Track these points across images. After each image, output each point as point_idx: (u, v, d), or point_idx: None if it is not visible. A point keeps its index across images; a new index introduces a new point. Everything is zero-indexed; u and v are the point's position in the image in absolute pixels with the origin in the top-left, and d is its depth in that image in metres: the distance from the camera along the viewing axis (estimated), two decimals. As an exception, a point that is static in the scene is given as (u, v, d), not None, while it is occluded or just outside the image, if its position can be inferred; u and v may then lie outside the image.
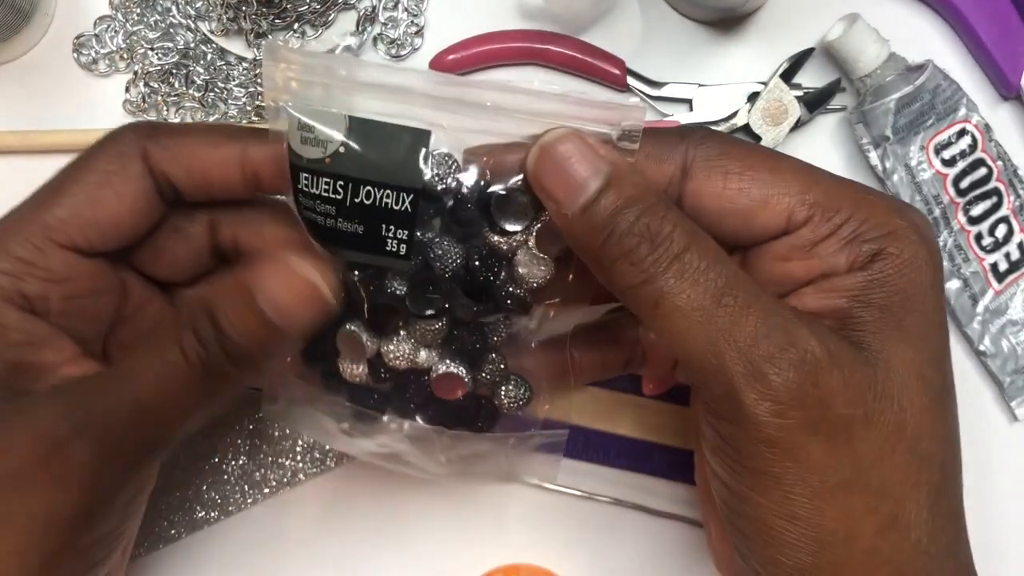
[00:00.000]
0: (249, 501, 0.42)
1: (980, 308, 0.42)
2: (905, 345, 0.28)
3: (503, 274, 0.31)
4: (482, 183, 0.30)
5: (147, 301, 0.34)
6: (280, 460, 0.42)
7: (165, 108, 0.44)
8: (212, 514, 0.42)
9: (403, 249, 0.30)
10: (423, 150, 0.29)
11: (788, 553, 0.27)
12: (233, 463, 0.42)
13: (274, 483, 0.42)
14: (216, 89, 0.44)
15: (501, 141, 0.30)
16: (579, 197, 0.27)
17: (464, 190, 0.30)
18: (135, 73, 0.44)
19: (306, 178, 0.29)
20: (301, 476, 0.42)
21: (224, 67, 0.44)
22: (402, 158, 0.29)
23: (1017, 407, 0.42)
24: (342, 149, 0.29)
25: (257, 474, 0.42)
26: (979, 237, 0.42)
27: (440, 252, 0.30)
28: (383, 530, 0.42)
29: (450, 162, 0.30)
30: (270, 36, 0.44)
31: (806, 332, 0.27)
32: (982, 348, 0.42)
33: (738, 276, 0.27)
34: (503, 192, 0.29)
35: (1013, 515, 0.43)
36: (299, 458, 0.42)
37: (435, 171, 0.29)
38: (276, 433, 0.42)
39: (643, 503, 0.42)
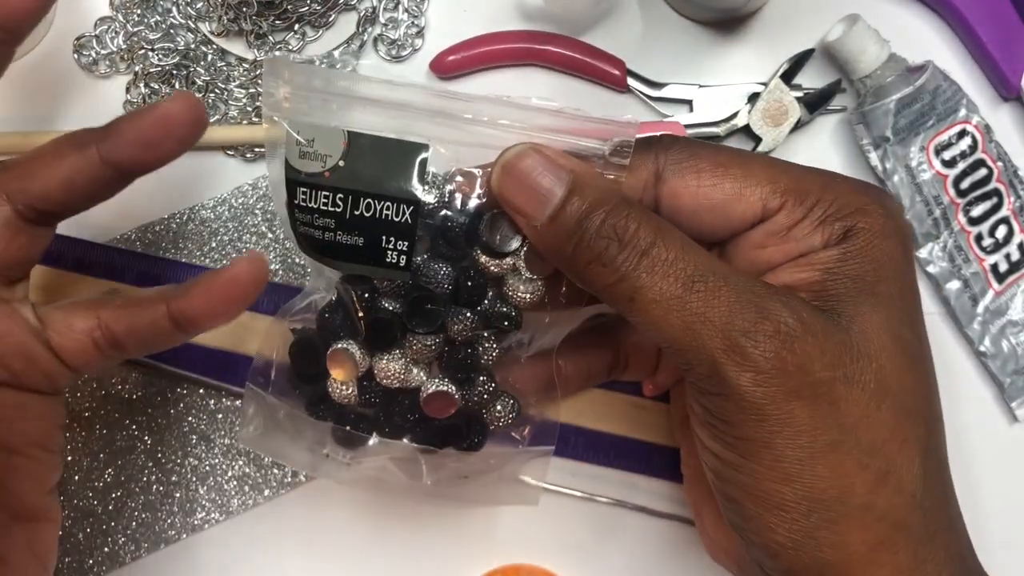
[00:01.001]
0: (249, 502, 0.42)
1: (980, 309, 0.42)
2: (879, 309, 0.29)
3: (492, 293, 0.31)
4: (473, 204, 0.30)
5: None
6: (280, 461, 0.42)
7: (165, 109, 0.44)
8: (212, 515, 0.42)
9: (403, 260, 0.30)
10: (421, 163, 0.29)
11: (783, 515, 0.28)
12: (233, 464, 0.42)
13: (274, 484, 0.42)
14: (217, 90, 0.44)
15: (496, 157, 0.30)
16: (545, 208, 0.29)
17: (456, 208, 0.30)
18: (136, 74, 0.44)
19: (303, 192, 0.30)
20: (301, 477, 0.42)
21: (225, 68, 0.44)
22: (401, 171, 0.29)
23: (1017, 408, 0.42)
24: (342, 163, 0.29)
25: (257, 475, 0.42)
26: (979, 238, 0.42)
27: (430, 273, 0.31)
28: (383, 531, 0.42)
29: (443, 180, 0.30)
30: (271, 37, 0.44)
31: (778, 305, 0.28)
32: (982, 349, 0.42)
33: (707, 261, 0.28)
34: (493, 213, 0.30)
35: (1013, 516, 0.43)
36: (299, 459, 0.42)
37: (431, 187, 0.30)
38: (276, 434, 0.42)
39: (643, 504, 0.42)
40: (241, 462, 0.42)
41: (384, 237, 0.30)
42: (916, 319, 0.30)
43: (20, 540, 0.33)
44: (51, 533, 0.34)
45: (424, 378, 0.32)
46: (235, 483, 0.42)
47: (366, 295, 0.31)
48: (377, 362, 0.32)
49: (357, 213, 0.29)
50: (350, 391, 0.33)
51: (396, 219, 0.29)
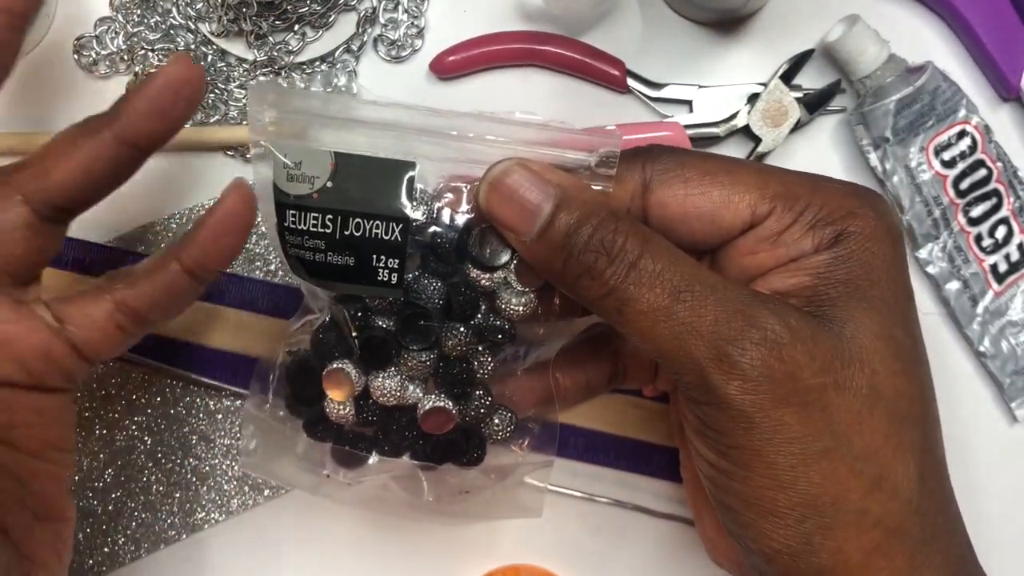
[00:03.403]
0: (249, 502, 0.42)
1: (980, 309, 0.42)
2: (871, 313, 0.29)
3: (484, 307, 0.31)
4: (462, 219, 0.30)
5: None
6: (280, 461, 0.42)
7: (165, 109, 0.44)
8: (212, 515, 0.42)
9: (394, 278, 0.30)
10: (409, 181, 0.29)
11: (777, 522, 0.28)
12: (233, 464, 0.42)
13: (274, 484, 0.42)
14: (217, 90, 0.44)
15: (483, 172, 0.30)
16: (534, 224, 0.29)
17: (445, 224, 0.30)
18: (136, 74, 0.44)
19: (293, 215, 0.30)
20: (301, 477, 0.42)
21: (225, 68, 0.44)
22: (389, 190, 0.29)
23: (1017, 408, 0.42)
24: (330, 184, 0.29)
25: (257, 476, 0.42)
26: (979, 238, 0.42)
27: (422, 290, 0.31)
28: (383, 530, 0.42)
29: (431, 197, 0.30)
30: (270, 38, 0.44)
31: (765, 312, 0.28)
32: (982, 349, 0.42)
33: (694, 271, 0.28)
34: (482, 228, 0.30)
35: (1012, 517, 0.43)
36: (299, 459, 0.42)
37: (419, 204, 0.30)
38: (276, 434, 0.42)
39: (643, 504, 0.42)
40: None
41: (375, 256, 0.30)
42: (910, 322, 0.30)
43: (45, 540, 0.33)
44: (69, 531, 0.34)
45: (421, 395, 0.32)
46: (235, 483, 0.42)
47: (359, 314, 0.31)
48: (373, 380, 0.32)
49: (347, 233, 0.29)
50: (347, 411, 0.32)
51: (386, 237, 0.29)
